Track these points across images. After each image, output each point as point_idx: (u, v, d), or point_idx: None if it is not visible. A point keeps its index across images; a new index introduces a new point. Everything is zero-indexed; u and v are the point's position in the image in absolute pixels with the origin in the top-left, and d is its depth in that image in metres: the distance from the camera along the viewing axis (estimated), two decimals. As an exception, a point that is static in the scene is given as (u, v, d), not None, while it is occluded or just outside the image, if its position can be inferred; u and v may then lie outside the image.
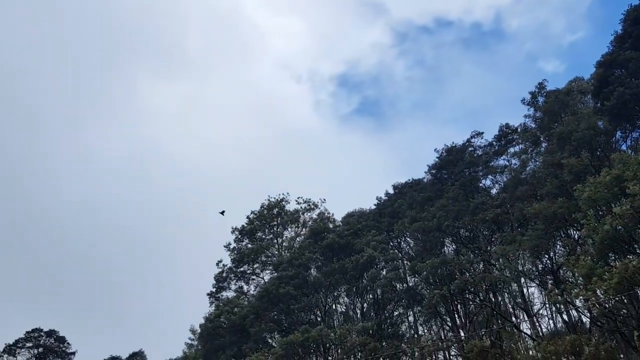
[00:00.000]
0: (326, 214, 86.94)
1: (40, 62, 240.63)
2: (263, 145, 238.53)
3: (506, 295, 57.57)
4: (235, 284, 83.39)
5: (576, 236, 50.05)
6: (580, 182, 43.64)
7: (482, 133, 70.08)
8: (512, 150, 65.58)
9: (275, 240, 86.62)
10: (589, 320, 46.29)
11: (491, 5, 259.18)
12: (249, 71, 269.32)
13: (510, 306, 58.45)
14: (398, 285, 62.96)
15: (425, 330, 65.06)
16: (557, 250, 51.90)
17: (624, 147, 51.28)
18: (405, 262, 66.21)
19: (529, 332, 52.78)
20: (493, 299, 56.11)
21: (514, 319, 56.20)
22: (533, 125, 62.76)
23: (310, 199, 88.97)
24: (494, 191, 64.61)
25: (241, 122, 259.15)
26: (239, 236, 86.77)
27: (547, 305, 55.11)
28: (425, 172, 73.91)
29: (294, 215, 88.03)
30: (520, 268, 53.43)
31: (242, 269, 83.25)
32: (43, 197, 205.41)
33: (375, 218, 75.27)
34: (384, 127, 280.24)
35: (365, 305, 66.17)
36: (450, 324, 58.15)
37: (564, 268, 47.94)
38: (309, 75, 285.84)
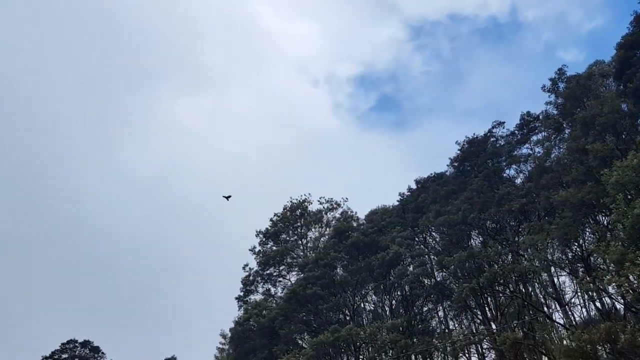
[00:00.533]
0: (349, 212, 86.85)
1: (68, 82, 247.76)
2: (284, 150, 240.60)
3: (537, 285, 56.71)
4: (263, 287, 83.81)
5: (605, 222, 49.17)
6: (606, 167, 42.86)
7: (504, 123, 69.24)
8: (534, 138, 64.54)
9: (300, 242, 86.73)
10: (623, 307, 45.46)
11: None
12: (267, 79, 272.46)
13: (541, 296, 57.54)
14: (426, 281, 62.50)
15: (456, 325, 64.44)
16: (586, 237, 51.04)
17: (650, 129, 50.17)
18: (432, 257, 65.64)
19: (561, 321, 51.95)
20: (523, 290, 55.38)
21: (546, 309, 55.31)
22: (555, 112, 61.72)
23: (332, 199, 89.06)
24: (518, 181, 63.76)
25: (262, 130, 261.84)
26: (264, 239, 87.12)
27: (579, 294, 54.09)
28: (447, 166, 73.35)
29: (317, 216, 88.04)
30: (550, 257, 52.49)
31: (268, 271, 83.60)
32: (73, 211, 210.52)
33: (399, 214, 74.82)
34: (403, 123, 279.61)
35: (393, 302, 65.90)
36: (481, 317, 57.55)
37: (594, 255, 47.11)
38: (325, 78, 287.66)
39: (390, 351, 55.36)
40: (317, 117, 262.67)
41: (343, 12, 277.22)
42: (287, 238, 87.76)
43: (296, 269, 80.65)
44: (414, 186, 79.08)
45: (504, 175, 65.74)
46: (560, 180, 53.49)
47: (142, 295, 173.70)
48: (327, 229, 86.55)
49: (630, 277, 35.09)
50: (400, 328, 57.26)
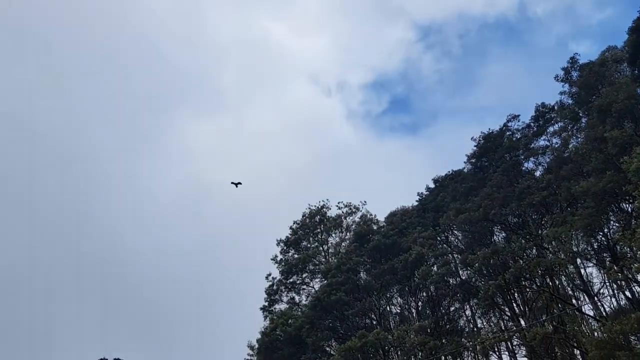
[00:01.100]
0: (368, 215, 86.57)
1: (91, 111, 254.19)
2: (302, 162, 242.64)
3: (564, 278, 55.85)
4: (287, 296, 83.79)
5: (629, 209, 48.37)
6: (626, 154, 42.31)
7: (519, 116, 68.55)
8: (551, 129, 63.84)
9: (321, 248, 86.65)
10: (654, 294, 44.72)
11: None
12: (282, 93, 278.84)
13: (569, 289, 56.72)
14: (451, 280, 61.97)
15: (485, 323, 63.68)
16: (611, 226, 50.25)
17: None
18: (456, 255, 65.06)
19: (591, 313, 51.12)
20: (550, 284, 54.57)
21: (574, 301, 54.54)
22: (570, 102, 61.06)
23: (350, 203, 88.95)
24: (537, 173, 63.05)
25: (279, 144, 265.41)
26: (285, 247, 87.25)
27: (608, 284, 53.26)
28: (464, 163, 72.90)
29: (337, 221, 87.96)
30: (575, 249, 51.81)
31: (291, 280, 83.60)
32: (104, 236, 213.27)
33: (419, 214, 74.50)
34: (417, 123, 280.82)
35: (419, 303, 65.44)
36: (509, 314, 56.85)
37: (620, 243, 46.31)
38: (338, 86, 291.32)
39: (420, 353, 54.93)
40: (332, 126, 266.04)
41: (351, 20, 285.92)
42: (308, 245, 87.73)
43: (319, 275, 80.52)
44: (432, 185, 78.88)
45: (523, 168, 65.11)
46: (581, 170, 52.78)
47: (171, 312, 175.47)
48: (348, 234, 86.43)
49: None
50: (428, 329, 56.84)
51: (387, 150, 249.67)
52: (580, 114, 58.55)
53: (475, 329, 62.66)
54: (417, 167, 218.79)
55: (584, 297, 54.82)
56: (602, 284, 53.81)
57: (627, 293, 50.23)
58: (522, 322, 53.79)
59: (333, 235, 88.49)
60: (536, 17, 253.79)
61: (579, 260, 53.25)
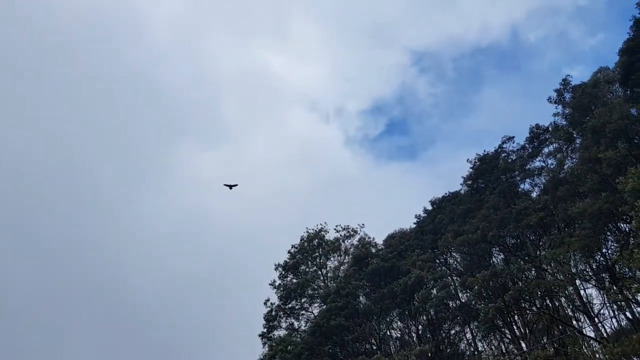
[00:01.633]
0: (367, 238, 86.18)
1: (90, 142, 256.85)
2: (301, 190, 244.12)
3: (563, 299, 55.73)
4: (286, 321, 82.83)
5: (627, 229, 48.42)
6: (621, 175, 42.48)
7: (513, 137, 69.12)
8: (546, 150, 64.35)
9: (320, 272, 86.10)
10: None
11: (506, 22, 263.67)
12: (281, 122, 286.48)
13: (569, 310, 56.50)
14: (451, 303, 61.65)
15: (485, 346, 63.21)
16: (609, 246, 50.26)
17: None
18: (455, 278, 64.86)
19: (592, 335, 50.83)
20: (550, 305, 54.40)
21: (575, 322, 54.27)
22: (564, 123, 61.55)
23: (349, 226, 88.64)
24: (534, 194, 63.18)
25: (279, 173, 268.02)
26: (283, 272, 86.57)
27: (608, 305, 53.11)
28: (461, 184, 73.22)
29: (335, 244, 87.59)
30: (574, 270, 51.75)
31: (290, 305, 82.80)
32: (108, 268, 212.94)
33: (417, 237, 74.40)
34: (414, 145, 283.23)
35: (420, 327, 64.97)
36: (510, 336, 56.50)
37: (619, 263, 46.29)
38: (336, 112, 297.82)
39: (421, 378, 54.35)
40: (331, 152, 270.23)
41: (347, 47, 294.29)
42: (307, 269, 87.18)
43: (318, 300, 79.95)
44: (429, 207, 78.96)
45: (519, 189, 65.29)
46: (577, 191, 53.00)
47: (173, 338, 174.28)
48: (346, 257, 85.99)
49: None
50: (429, 354, 56.34)
51: (385, 175, 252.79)
52: (575, 135, 58.98)
53: (476, 353, 62.16)
54: (414, 190, 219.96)
55: (584, 318, 54.58)
56: (602, 305, 53.71)
57: (628, 314, 50.07)
58: (523, 345, 53.43)
59: (331, 258, 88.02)
60: (529, 44, 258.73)
61: (578, 282, 53.14)
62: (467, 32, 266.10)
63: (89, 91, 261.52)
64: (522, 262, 55.83)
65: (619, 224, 49.71)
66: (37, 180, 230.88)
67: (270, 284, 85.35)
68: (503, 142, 69.54)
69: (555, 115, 62.58)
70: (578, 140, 58.18)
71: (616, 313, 54.16)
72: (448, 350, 59.97)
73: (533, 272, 55.22)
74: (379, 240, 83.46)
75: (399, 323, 67.70)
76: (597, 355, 46.72)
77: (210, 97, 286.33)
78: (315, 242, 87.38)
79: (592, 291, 55.27)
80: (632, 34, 54.02)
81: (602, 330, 52.38)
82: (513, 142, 68.84)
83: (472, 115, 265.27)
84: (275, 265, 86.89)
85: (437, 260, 69.63)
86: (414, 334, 65.26)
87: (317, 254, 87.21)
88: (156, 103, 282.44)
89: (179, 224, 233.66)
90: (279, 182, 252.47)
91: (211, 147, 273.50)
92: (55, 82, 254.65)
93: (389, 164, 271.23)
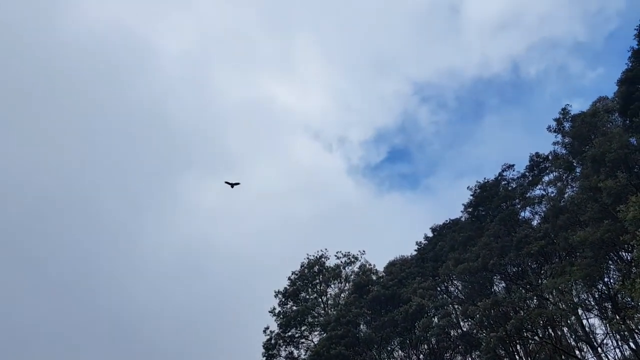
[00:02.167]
0: (367, 265, 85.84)
1: (102, 173, 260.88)
2: (304, 219, 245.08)
3: (566, 329, 55.30)
4: (285, 350, 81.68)
5: (629, 258, 48.32)
6: (621, 203, 42.53)
7: (513, 165, 69.28)
8: (546, 178, 64.42)
9: (320, 299, 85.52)
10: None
11: (505, 56, 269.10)
12: (284, 152, 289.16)
13: (572, 340, 56.01)
14: (452, 332, 61.25)
15: (487, 376, 62.50)
16: (611, 275, 50.08)
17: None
18: (456, 306, 64.49)
19: (596, 365, 50.36)
20: (553, 334, 54.02)
21: (578, 352, 53.73)
22: (564, 151, 61.85)
23: (349, 252, 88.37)
24: (534, 222, 63.16)
25: (282, 203, 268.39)
26: (283, 299, 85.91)
27: (611, 335, 52.67)
28: (461, 212, 73.09)
29: (336, 271, 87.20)
30: (576, 299, 51.51)
31: (289, 333, 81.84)
32: (116, 298, 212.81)
33: (418, 264, 74.21)
34: (416, 173, 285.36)
35: (421, 356, 64.43)
36: (512, 366, 55.92)
37: (621, 293, 46.06)
38: (339, 141, 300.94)
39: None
40: (334, 181, 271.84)
41: (349, 77, 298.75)
42: (307, 296, 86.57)
43: (318, 328, 79.20)
44: (430, 234, 78.89)
45: (520, 217, 65.23)
46: (577, 220, 52.98)
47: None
48: (347, 284, 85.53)
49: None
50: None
51: (387, 204, 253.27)
52: (575, 164, 59.22)
53: (478, 382, 61.45)
54: (416, 218, 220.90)
55: (587, 348, 54.09)
56: (606, 334, 53.25)
57: (632, 344, 49.58)
58: (526, 375, 52.87)
59: (332, 285, 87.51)
60: (529, 77, 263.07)
61: (580, 311, 52.82)
62: (467, 65, 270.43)
63: (98, 123, 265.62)
64: (523, 291, 55.59)
65: (620, 253, 49.59)
66: (43, 209, 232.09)
67: (270, 312, 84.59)
68: (503, 170, 69.82)
69: (555, 144, 62.94)
70: (578, 169, 58.38)
71: (619, 343, 53.68)
72: (450, 380, 59.35)
73: (535, 301, 54.94)
74: (380, 267, 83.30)
75: (400, 352, 67.09)
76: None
77: (215, 128, 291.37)
78: (316, 268, 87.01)
79: (595, 321, 54.94)
80: (630, 64, 54.72)
81: (606, 360, 51.95)
82: (513, 170, 69.13)
83: (472, 143, 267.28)
84: (275, 292, 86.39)
85: (438, 288, 69.34)
86: (415, 364, 64.71)
87: (317, 280, 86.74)
88: (163, 135, 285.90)
89: (181, 252, 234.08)
90: (282, 211, 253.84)
91: (215, 175, 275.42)
92: (65, 113, 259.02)
93: (391, 192, 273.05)
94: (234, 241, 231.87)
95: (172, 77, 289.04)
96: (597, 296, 51.52)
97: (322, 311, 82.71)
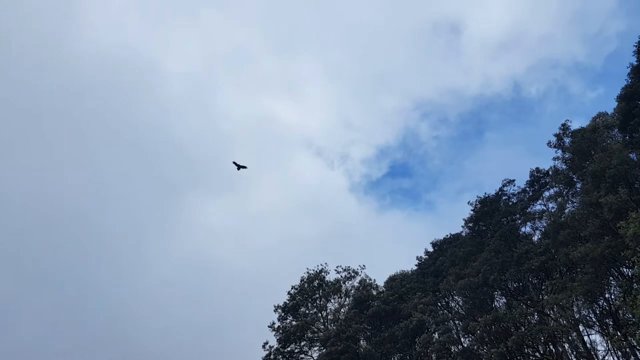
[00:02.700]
0: (368, 280, 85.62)
1: (106, 194, 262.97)
2: (305, 236, 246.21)
3: (567, 345, 54.96)
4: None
5: (629, 274, 48.15)
6: (622, 219, 42.49)
7: (514, 180, 69.33)
8: (547, 194, 64.51)
9: (320, 314, 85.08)
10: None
11: (507, 76, 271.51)
12: (287, 169, 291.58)
13: (573, 356, 55.60)
14: (453, 348, 60.80)
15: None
16: (612, 291, 49.89)
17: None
18: (457, 322, 64.15)
19: (598, 382, 49.98)
20: (554, 351, 53.64)
21: (579, 369, 53.40)
22: (564, 167, 61.87)
23: (349, 267, 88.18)
24: (535, 238, 63.04)
25: (284, 220, 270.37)
26: (283, 314, 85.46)
27: (612, 351, 52.31)
28: (462, 227, 73.05)
29: (336, 286, 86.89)
30: (577, 315, 51.26)
31: (289, 348, 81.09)
32: (111, 310, 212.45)
33: (418, 279, 73.99)
34: (417, 187, 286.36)
35: (421, 372, 63.87)
36: (513, 383, 55.45)
37: (622, 309, 45.86)
38: (341, 158, 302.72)
39: None
40: (336, 199, 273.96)
41: (351, 95, 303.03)
42: (307, 311, 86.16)
43: (318, 343, 78.67)
44: (431, 249, 78.76)
45: (520, 233, 65.13)
46: (578, 235, 52.85)
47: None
48: (347, 299, 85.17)
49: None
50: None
51: (388, 221, 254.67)
52: (575, 179, 59.21)
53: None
54: (417, 233, 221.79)
55: (588, 365, 53.70)
56: (607, 351, 52.89)
57: (633, 360, 49.26)
58: (527, 392, 52.43)
59: (332, 300, 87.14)
60: (530, 97, 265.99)
61: (581, 327, 52.54)
62: (469, 84, 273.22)
63: (104, 141, 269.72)
64: (524, 307, 55.34)
65: (621, 269, 49.44)
66: (47, 226, 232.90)
67: (269, 326, 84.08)
68: (504, 185, 69.86)
69: (555, 159, 62.98)
70: (578, 185, 58.38)
71: (621, 360, 53.35)
72: (450, 397, 58.80)
73: (536, 317, 54.68)
74: (380, 281, 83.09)
75: (400, 368, 66.66)
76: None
77: (219, 147, 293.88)
78: (316, 283, 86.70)
79: (596, 337, 54.63)
80: (630, 80, 54.87)
81: (607, 377, 51.57)
82: (514, 186, 69.17)
83: (473, 159, 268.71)
84: (275, 306, 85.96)
85: (439, 304, 69.03)
86: (415, 380, 64.16)
87: (317, 295, 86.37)
88: (168, 153, 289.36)
89: (183, 269, 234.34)
90: (285, 228, 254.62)
91: (218, 195, 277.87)
92: (72, 130, 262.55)
93: (392, 209, 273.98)
94: (237, 258, 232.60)
95: (178, 96, 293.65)
96: (598, 312, 51.27)
97: (322, 326, 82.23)
